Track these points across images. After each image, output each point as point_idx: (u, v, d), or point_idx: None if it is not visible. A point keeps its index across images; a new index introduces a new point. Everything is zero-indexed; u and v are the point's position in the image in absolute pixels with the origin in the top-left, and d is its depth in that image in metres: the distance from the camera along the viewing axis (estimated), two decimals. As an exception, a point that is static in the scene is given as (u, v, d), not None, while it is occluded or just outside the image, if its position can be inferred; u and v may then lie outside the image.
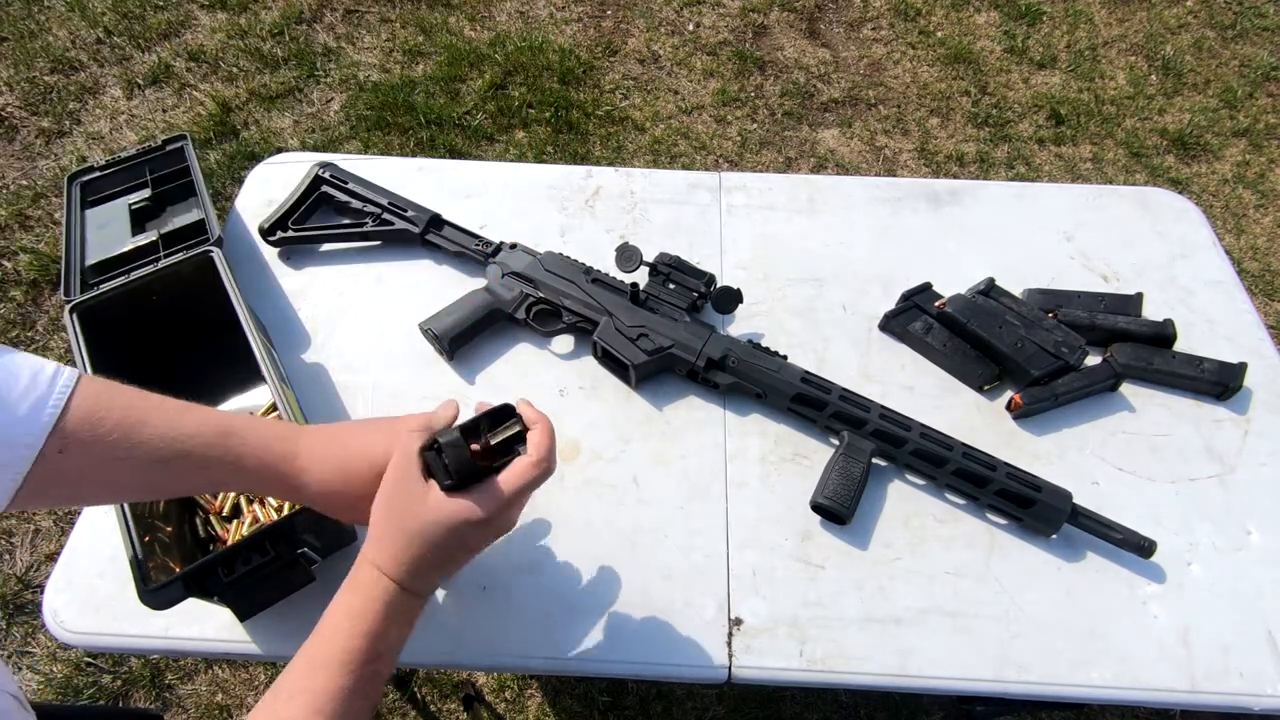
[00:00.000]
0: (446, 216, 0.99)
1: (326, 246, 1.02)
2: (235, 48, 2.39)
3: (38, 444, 0.50)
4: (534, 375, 0.90)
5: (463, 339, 0.89)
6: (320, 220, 1.04)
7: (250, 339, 0.78)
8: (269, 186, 1.07)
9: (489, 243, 0.96)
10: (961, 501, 0.79)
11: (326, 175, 1.03)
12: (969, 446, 0.78)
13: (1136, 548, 0.73)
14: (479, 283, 0.94)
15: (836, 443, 0.81)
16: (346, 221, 1.02)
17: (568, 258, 0.93)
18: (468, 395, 0.87)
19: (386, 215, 0.99)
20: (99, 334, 0.79)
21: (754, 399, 0.85)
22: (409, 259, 1.00)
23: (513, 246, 0.95)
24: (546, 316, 0.92)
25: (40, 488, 0.51)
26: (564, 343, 0.92)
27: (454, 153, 2.16)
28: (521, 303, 0.91)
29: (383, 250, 1.01)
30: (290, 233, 1.00)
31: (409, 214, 0.99)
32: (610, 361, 0.88)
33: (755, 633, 0.71)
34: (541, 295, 0.91)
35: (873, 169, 2.18)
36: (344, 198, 1.02)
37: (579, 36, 2.48)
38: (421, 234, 0.98)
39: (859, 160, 2.20)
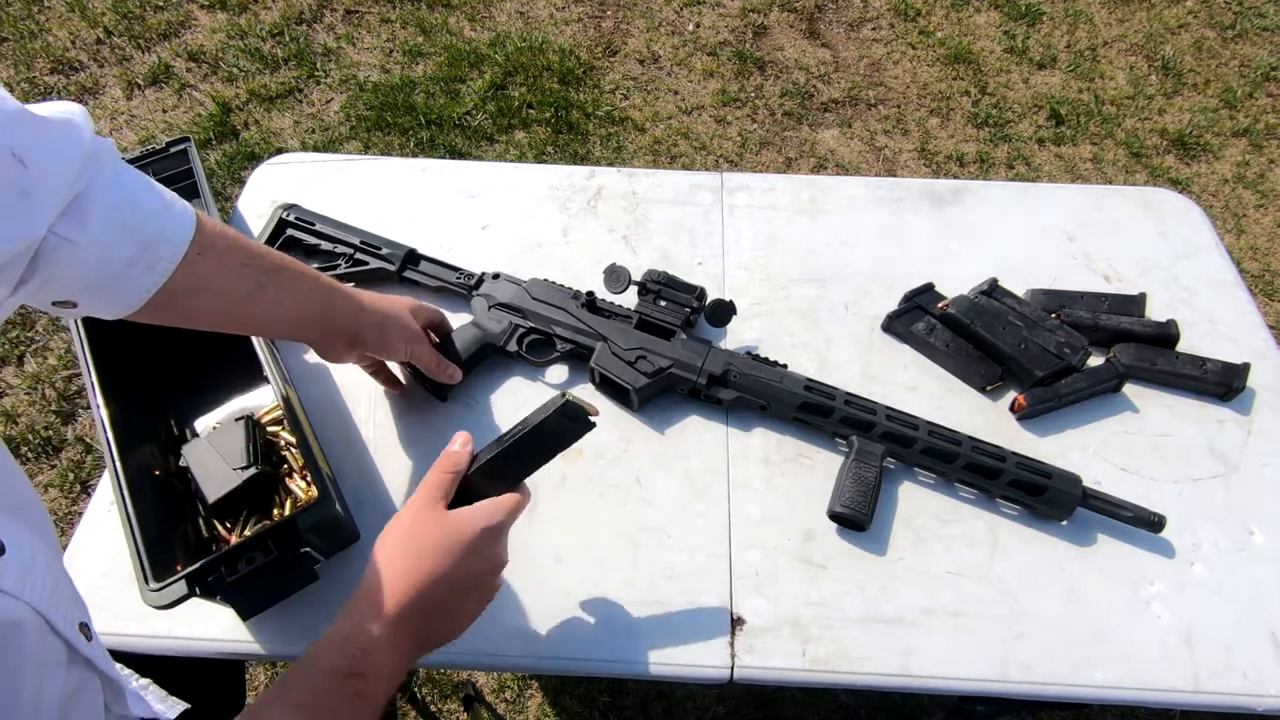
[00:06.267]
0: (444, 223, 0.96)
1: None
2: (235, 48, 2.39)
3: (187, 240, 0.55)
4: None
5: None
6: None
7: (253, 339, 0.78)
8: (271, 187, 1.07)
9: (471, 274, 0.93)
10: (968, 498, 0.80)
11: (291, 218, 0.97)
12: (977, 439, 0.78)
13: (1147, 523, 0.74)
14: (463, 318, 0.91)
15: (843, 447, 0.81)
16: (316, 265, 0.95)
17: (555, 284, 0.91)
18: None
19: (360, 255, 0.95)
20: (102, 334, 0.79)
21: (758, 411, 0.85)
22: None
23: (495, 276, 0.92)
24: (539, 346, 0.89)
25: (170, 297, 0.55)
26: (558, 372, 0.90)
27: (454, 153, 2.16)
28: (512, 334, 0.88)
29: None
30: None
31: (383, 251, 0.94)
32: (609, 387, 0.86)
33: (757, 633, 0.71)
34: (532, 325, 0.88)
35: (873, 169, 2.18)
36: (312, 240, 0.96)
37: (579, 37, 2.48)
38: (398, 271, 0.93)
39: (859, 160, 2.20)
